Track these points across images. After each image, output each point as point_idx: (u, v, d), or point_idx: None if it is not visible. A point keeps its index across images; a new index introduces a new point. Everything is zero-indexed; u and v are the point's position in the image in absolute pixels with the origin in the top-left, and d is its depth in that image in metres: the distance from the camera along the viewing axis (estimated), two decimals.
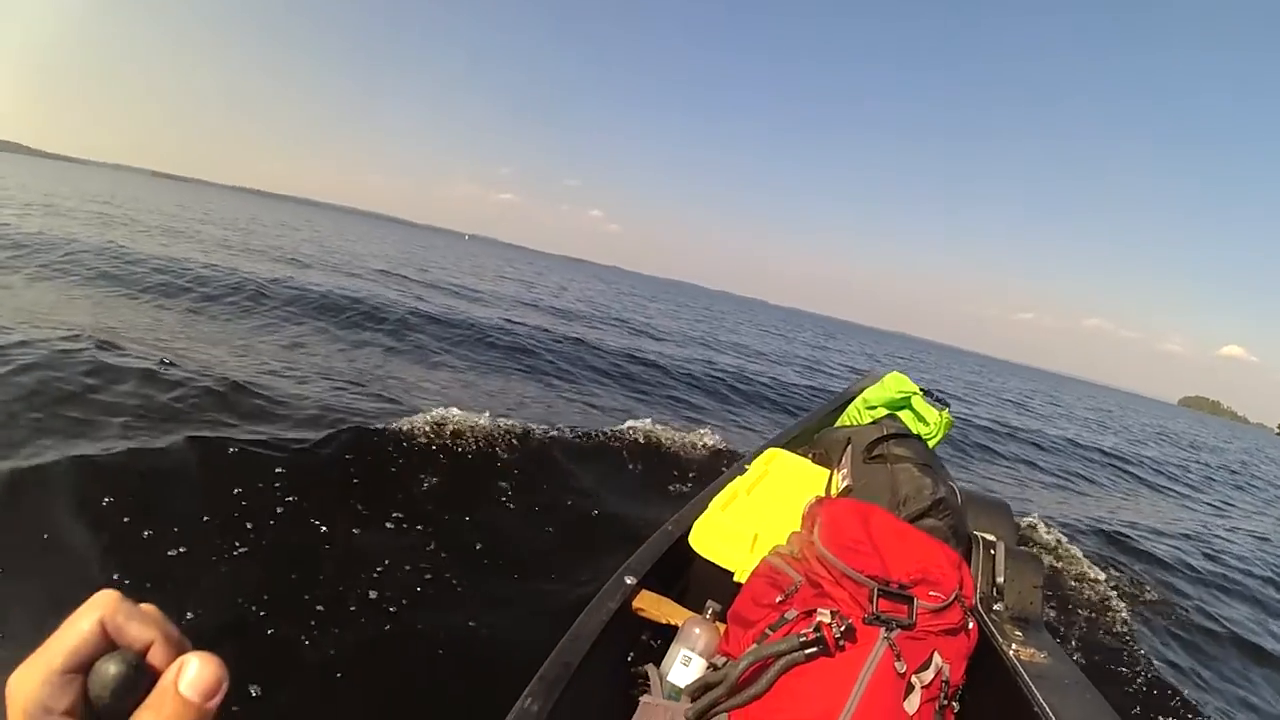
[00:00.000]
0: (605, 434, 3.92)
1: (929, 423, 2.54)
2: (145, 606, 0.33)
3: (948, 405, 2.63)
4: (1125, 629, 3.10)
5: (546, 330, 8.46)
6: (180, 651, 0.32)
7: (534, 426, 3.60)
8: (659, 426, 4.19)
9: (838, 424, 2.75)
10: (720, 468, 3.27)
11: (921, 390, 2.65)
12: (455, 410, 3.39)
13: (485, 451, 3.21)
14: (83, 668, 0.30)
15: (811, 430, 2.76)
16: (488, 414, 3.49)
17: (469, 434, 3.25)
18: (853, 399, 2.86)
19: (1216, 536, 5.78)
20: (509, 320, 8.58)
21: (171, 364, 3.61)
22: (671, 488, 3.55)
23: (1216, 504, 8.37)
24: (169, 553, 2.00)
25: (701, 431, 4.29)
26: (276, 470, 2.57)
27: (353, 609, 1.96)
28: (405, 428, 3.12)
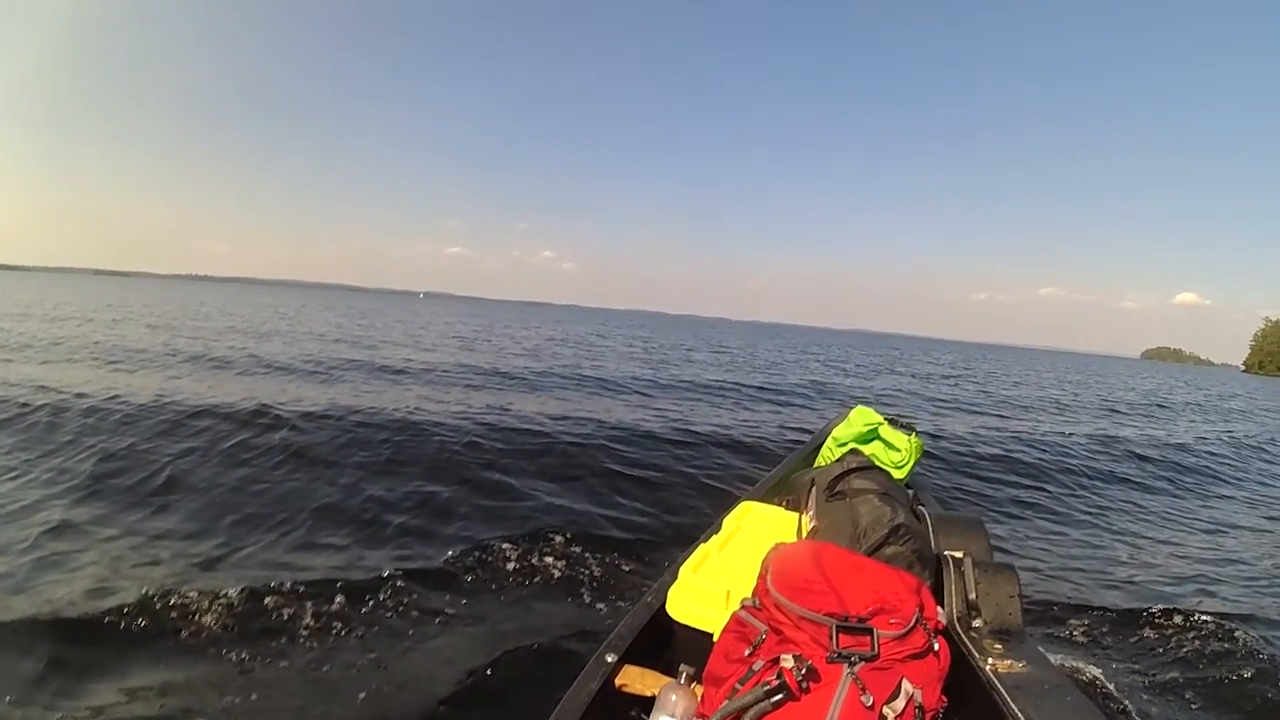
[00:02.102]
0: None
1: (900, 448, 2.71)
2: None
3: (914, 430, 2.84)
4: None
5: (460, 409, 7.24)
6: None
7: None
8: None
9: (815, 466, 2.87)
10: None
11: (887, 419, 2.85)
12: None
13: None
14: None
15: (787, 478, 2.87)
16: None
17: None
18: (825, 440, 3.02)
19: None
20: (419, 408, 7.19)
21: None
22: None
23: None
24: None
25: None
26: None
27: None
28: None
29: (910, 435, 2.77)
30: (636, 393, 10.44)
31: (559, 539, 3.69)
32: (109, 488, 4.27)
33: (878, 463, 2.57)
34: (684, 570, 1.80)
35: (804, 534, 2.07)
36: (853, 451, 2.62)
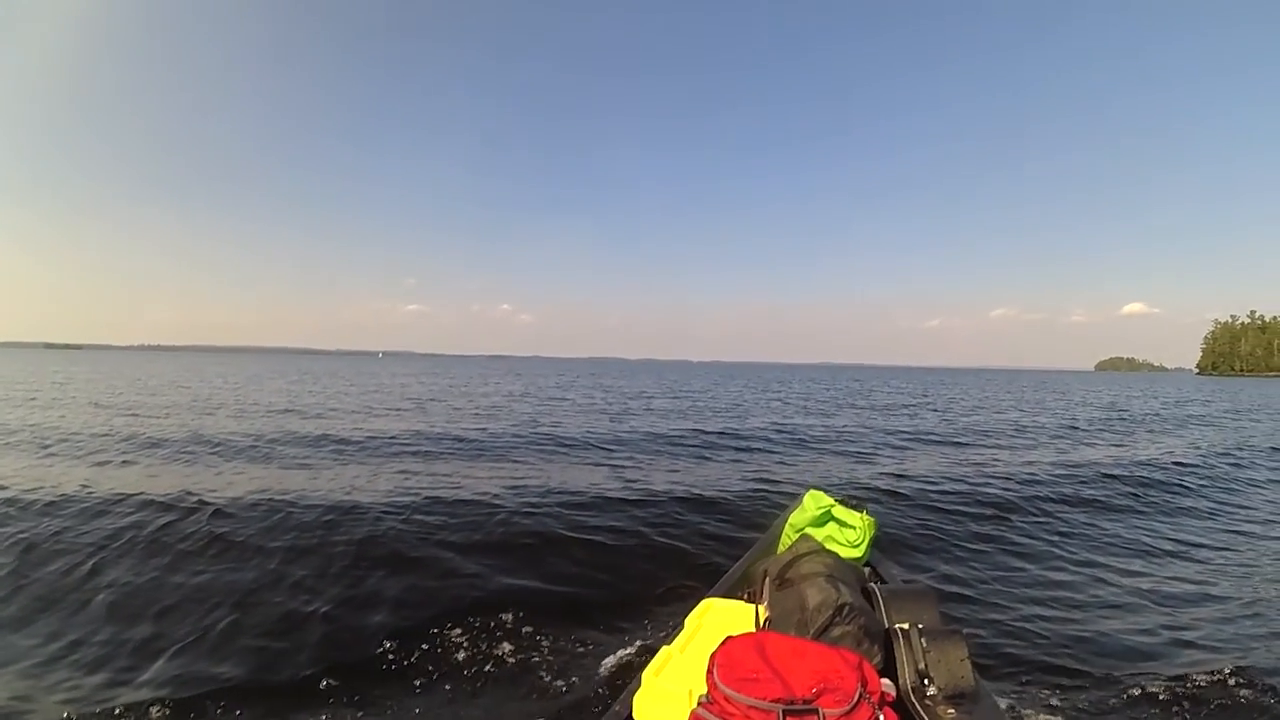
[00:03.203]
0: None
1: (855, 526, 2.83)
2: None
3: (864, 507, 2.96)
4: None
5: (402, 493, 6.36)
6: None
7: None
8: None
9: (774, 556, 2.96)
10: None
11: (838, 500, 2.96)
12: None
13: None
14: None
15: (748, 571, 2.97)
16: None
17: None
18: (783, 528, 3.14)
19: None
20: (356, 485, 6.73)
21: None
22: None
23: None
24: None
25: None
26: None
27: None
28: None
29: (863, 513, 2.88)
30: (594, 447, 10.31)
31: (509, 618, 3.57)
32: (31, 582, 4.14)
33: (833, 544, 2.69)
34: (646, 675, 1.84)
35: (761, 625, 2.11)
36: (803, 537, 2.71)
